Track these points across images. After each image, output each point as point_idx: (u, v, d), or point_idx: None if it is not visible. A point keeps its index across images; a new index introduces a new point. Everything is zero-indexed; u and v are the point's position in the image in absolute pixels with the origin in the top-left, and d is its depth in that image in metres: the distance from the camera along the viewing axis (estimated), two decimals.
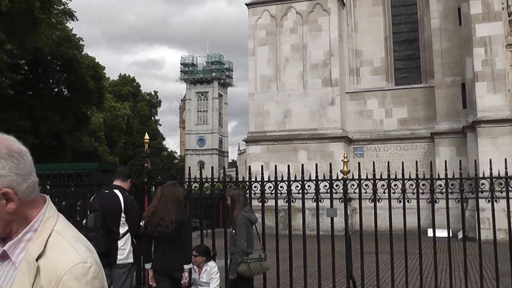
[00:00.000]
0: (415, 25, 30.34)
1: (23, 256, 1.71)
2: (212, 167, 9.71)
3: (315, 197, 8.36)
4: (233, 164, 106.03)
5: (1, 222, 1.74)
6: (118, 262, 6.97)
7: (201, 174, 9.19)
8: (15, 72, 37.76)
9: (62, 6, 39.93)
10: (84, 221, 7.18)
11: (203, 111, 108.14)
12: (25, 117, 40.53)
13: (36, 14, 28.57)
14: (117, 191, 7.14)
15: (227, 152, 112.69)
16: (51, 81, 43.43)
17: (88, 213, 7.13)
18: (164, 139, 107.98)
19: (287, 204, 8.55)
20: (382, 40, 30.34)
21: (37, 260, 1.68)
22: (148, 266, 7.21)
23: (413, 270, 11.18)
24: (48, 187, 10.98)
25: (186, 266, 6.92)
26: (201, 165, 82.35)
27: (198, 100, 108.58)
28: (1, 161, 1.72)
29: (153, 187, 9.49)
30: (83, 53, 44.52)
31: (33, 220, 1.77)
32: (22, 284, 1.66)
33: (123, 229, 7.01)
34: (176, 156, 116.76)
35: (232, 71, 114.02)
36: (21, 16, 27.64)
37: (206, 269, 8.21)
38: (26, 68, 41.37)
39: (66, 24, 42.74)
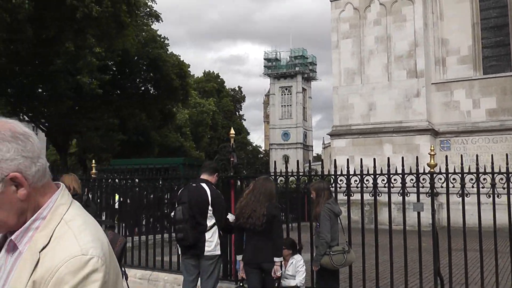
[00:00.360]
0: (504, 10, 28.97)
1: (29, 245, 1.61)
2: (298, 161, 9.73)
3: (401, 191, 8.23)
4: (318, 158, 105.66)
5: (14, 211, 1.62)
6: (205, 253, 7.12)
7: (286, 168, 9.24)
8: (103, 73, 39.19)
9: (148, 9, 41.20)
10: (173, 214, 7.39)
11: (287, 105, 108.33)
12: (113, 116, 41.98)
13: (123, 18, 29.58)
14: (204, 185, 7.28)
15: (312, 146, 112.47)
16: (137, 80, 44.76)
17: (176, 205, 7.31)
18: (248, 133, 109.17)
19: (372, 198, 8.46)
20: (469, 27, 29.17)
21: (41, 251, 1.56)
22: (239, 257, 7.33)
23: (504, 270, 10.82)
24: (137, 180, 11.36)
25: (276, 259, 6.97)
26: (286, 159, 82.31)
27: (282, 94, 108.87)
28: (5, 144, 1.60)
29: (239, 181, 9.62)
30: (168, 52, 45.63)
31: (42, 207, 1.66)
32: (21, 275, 1.55)
33: (210, 221, 7.14)
34: (261, 150, 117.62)
35: (316, 65, 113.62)
36: (109, 20, 28.67)
37: (292, 262, 8.26)
38: (114, 68, 42.81)
39: (152, 26, 44.07)
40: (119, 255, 1.91)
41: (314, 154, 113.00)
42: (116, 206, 13.00)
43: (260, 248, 6.95)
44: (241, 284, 8.61)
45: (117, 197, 12.69)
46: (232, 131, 9.71)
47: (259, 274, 7.11)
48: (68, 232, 1.60)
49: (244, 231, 7.12)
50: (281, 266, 7.10)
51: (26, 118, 44.26)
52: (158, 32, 45.60)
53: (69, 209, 1.68)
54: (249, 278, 7.16)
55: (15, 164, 1.60)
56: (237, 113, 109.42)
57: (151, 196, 11.48)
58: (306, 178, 9.75)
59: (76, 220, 1.65)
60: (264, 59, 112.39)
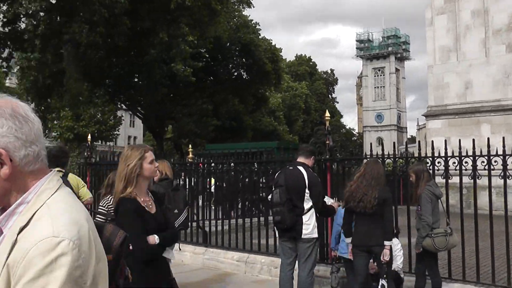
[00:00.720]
0: None
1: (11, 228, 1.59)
2: (394, 143, 9.63)
3: (502, 173, 7.89)
4: (412, 140, 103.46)
5: None
6: (303, 236, 7.14)
7: (382, 150, 9.14)
8: (196, 60, 40.02)
9: None
10: (270, 197, 7.49)
11: (380, 87, 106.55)
12: (207, 101, 42.83)
13: (214, 5, 30.12)
14: (301, 168, 7.29)
15: (406, 127, 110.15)
16: (230, 66, 45.42)
17: (274, 188, 7.37)
18: (341, 116, 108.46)
19: (470, 181, 8.14)
20: None
21: (18, 233, 1.54)
22: (348, 240, 7.35)
23: None
24: (232, 164, 11.56)
25: (387, 243, 6.94)
26: (380, 141, 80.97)
27: (374, 76, 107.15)
28: (1, 120, 1.59)
29: (334, 164, 9.60)
30: (260, 37, 46.02)
31: (28, 191, 1.63)
32: (0, 258, 1.52)
33: (307, 204, 7.15)
34: (354, 133, 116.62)
35: (409, 44, 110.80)
36: (201, 9, 29.28)
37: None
38: (207, 55, 43.58)
39: (243, 12, 44.60)
40: (119, 249, 1.93)
41: (409, 136, 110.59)
42: (212, 189, 13.30)
43: (370, 232, 6.96)
44: (334, 262, 8.63)
45: (213, 181, 12.96)
46: (327, 114, 9.66)
47: (367, 258, 7.14)
48: (46, 214, 1.56)
49: (354, 215, 7.13)
50: (390, 250, 7.07)
51: (124, 107, 45.97)
52: (250, 18, 46.08)
53: (54, 194, 1.64)
54: (356, 261, 7.18)
55: (4, 141, 1.59)
56: (329, 96, 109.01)
57: (247, 179, 11.64)
58: (402, 160, 9.61)
59: (58, 204, 1.61)
60: (356, 40, 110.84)
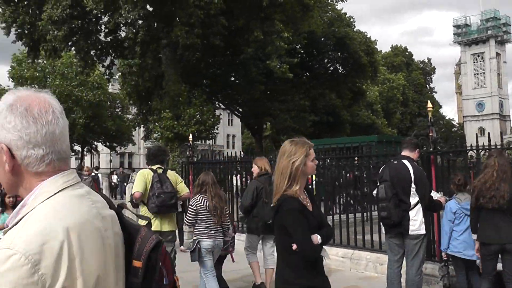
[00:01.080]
0: None
1: None
2: (501, 133, 9.22)
3: None
4: None
5: (5, 179, 1.63)
6: (410, 233, 6.96)
7: (489, 140, 8.76)
8: (292, 56, 40.17)
9: None
10: (375, 192, 7.35)
11: (480, 73, 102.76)
12: (303, 97, 42.96)
13: (306, 1, 30.18)
14: (405, 162, 7.11)
15: (509, 115, 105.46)
16: (325, 60, 45.27)
17: (378, 183, 7.24)
18: (440, 107, 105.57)
19: None
20: None
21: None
22: (474, 237, 7.03)
23: None
24: (328, 160, 11.48)
25: None
26: (483, 131, 78.39)
27: (474, 62, 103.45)
28: (12, 116, 1.57)
29: (439, 157, 9.30)
30: (354, 30, 45.75)
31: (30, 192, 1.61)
32: None
33: (413, 199, 6.96)
34: (454, 124, 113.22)
35: (510, 25, 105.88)
36: (294, 5, 29.40)
37: None
38: (302, 51, 43.67)
39: (336, 6, 44.58)
40: (152, 256, 1.72)
41: None
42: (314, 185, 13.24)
43: (502, 228, 6.58)
44: (445, 264, 8.35)
45: (314, 176, 12.90)
46: (430, 105, 9.35)
47: (497, 258, 6.76)
48: (23, 221, 1.51)
49: (480, 211, 6.79)
50: None
51: (222, 106, 46.77)
52: (343, 11, 45.87)
53: (49, 198, 1.57)
54: (485, 262, 6.82)
55: (8, 138, 1.57)
56: (427, 86, 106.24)
57: (348, 175, 11.52)
58: (511, 151, 9.18)
59: (41, 210, 1.54)
60: (453, 26, 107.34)
